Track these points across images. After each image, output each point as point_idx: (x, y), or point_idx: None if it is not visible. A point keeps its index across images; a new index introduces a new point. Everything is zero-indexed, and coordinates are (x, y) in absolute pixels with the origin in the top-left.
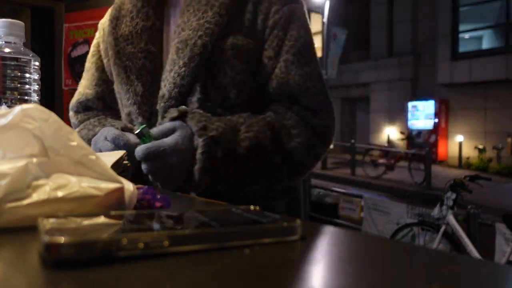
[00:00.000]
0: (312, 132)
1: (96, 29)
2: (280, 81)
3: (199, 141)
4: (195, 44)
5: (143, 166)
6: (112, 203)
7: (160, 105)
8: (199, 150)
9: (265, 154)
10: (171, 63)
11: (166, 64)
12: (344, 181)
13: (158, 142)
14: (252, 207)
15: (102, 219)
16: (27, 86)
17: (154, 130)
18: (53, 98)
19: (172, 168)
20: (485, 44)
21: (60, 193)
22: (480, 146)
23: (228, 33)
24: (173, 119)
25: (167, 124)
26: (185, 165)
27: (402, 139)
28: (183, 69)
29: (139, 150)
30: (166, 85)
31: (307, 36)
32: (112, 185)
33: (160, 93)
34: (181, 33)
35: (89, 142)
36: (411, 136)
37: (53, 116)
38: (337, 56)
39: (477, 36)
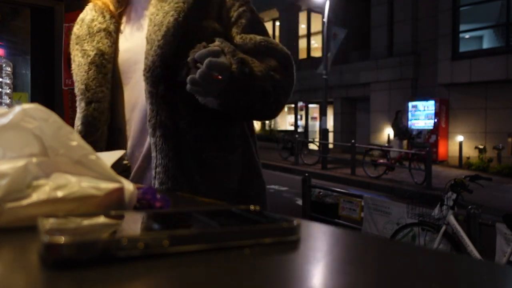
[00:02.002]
0: (287, 74)
1: None
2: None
3: (233, 60)
4: (169, 22)
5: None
6: (112, 203)
7: (145, 76)
8: (234, 66)
9: (266, 80)
10: (150, 42)
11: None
12: (344, 181)
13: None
14: (252, 207)
15: (102, 219)
16: None
17: (204, 51)
18: (53, 98)
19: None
20: (486, 44)
21: (60, 193)
22: (481, 146)
23: (200, 16)
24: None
25: (214, 49)
26: (225, 79)
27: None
28: (161, 41)
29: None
30: (149, 58)
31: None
32: (112, 185)
33: (144, 67)
34: (155, 18)
35: None
36: (411, 136)
37: (53, 116)
38: (333, 54)
39: (478, 36)
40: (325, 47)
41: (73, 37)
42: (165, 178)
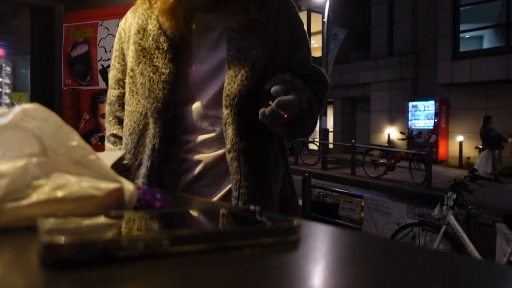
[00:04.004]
0: (326, 94)
1: (96, 29)
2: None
3: (302, 97)
4: (256, 55)
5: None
6: (112, 203)
7: (229, 103)
8: (304, 103)
9: (320, 110)
10: (233, 68)
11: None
12: (344, 181)
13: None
14: (252, 207)
15: (102, 219)
16: None
17: (278, 89)
18: (53, 98)
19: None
20: (486, 44)
21: (59, 193)
22: (481, 146)
23: (275, 43)
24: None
25: (287, 86)
26: (295, 114)
27: (403, 139)
28: (249, 73)
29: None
30: (233, 86)
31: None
32: (112, 185)
33: (227, 92)
34: (239, 44)
35: None
36: (411, 136)
37: (53, 116)
38: (334, 54)
39: (478, 36)
40: (325, 47)
41: (137, 47)
42: (248, 198)
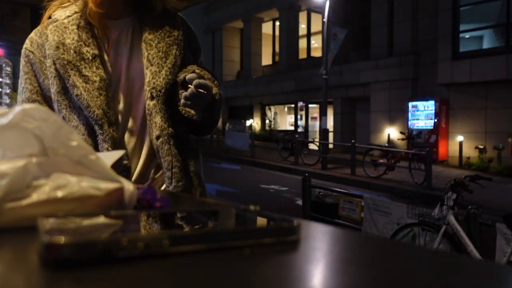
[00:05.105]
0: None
1: None
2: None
3: (213, 84)
4: (175, 54)
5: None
6: (112, 203)
7: (157, 94)
8: (215, 89)
9: (221, 104)
10: (156, 65)
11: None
12: (344, 181)
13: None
14: (252, 207)
15: (102, 219)
16: None
17: (192, 75)
18: None
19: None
20: (486, 44)
21: (60, 193)
22: (481, 146)
23: (184, 47)
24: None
25: (200, 74)
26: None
27: (403, 139)
28: (171, 69)
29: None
30: (159, 79)
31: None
32: (112, 185)
33: (152, 85)
34: (158, 45)
35: None
36: (411, 136)
37: (53, 116)
38: (333, 54)
39: (478, 36)
40: (325, 47)
41: (61, 62)
42: (181, 176)
